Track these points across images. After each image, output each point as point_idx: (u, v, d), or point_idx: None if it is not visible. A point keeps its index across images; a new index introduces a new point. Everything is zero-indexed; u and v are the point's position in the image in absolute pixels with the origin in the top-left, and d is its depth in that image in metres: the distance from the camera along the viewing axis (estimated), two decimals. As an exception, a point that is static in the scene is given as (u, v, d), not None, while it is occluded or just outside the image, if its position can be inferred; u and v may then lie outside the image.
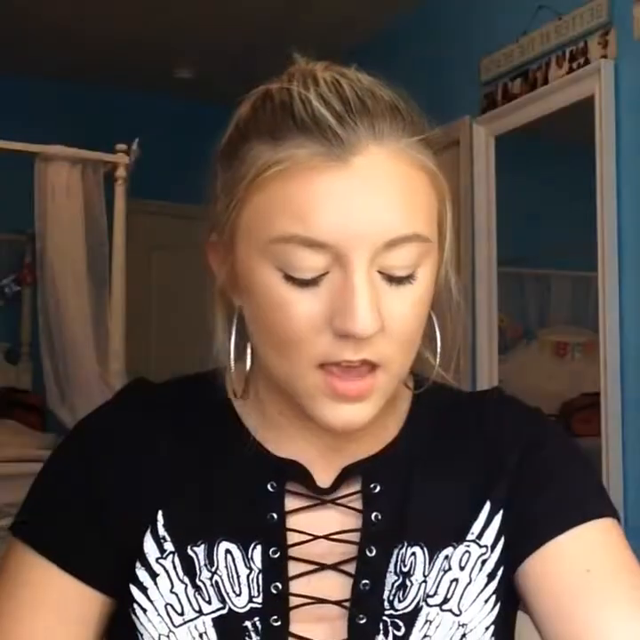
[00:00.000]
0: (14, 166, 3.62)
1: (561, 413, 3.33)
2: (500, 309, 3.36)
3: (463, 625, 0.78)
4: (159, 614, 0.77)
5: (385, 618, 0.78)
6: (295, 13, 4.06)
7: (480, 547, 0.80)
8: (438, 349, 0.80)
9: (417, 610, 0.78)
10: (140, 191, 3.87)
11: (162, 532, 0.79)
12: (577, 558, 0.78)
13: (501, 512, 0.81)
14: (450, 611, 0.78)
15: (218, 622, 0.76)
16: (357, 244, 0.69)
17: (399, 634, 0.77)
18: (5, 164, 3.73)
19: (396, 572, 0.79)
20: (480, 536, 0.80)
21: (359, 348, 0.71)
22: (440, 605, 0.78)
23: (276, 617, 0.77)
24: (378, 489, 0.81)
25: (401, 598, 0.78)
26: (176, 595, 0.78)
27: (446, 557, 0.79)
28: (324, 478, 0.81)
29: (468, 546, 0.80)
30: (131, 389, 0.88)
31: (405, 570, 0.79)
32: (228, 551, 0.78)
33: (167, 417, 0.84)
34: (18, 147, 3.47)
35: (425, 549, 0.79)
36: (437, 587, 0.79)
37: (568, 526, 0.79)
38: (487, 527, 0.81)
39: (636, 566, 0.79)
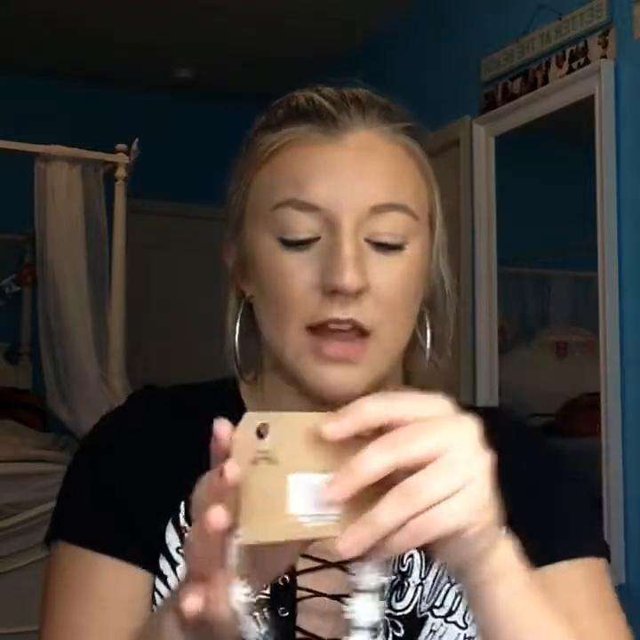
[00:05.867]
0: (14, 166, 3.62)
1: (561, 413, 3.33)
2: (500, 309, 3.36)
3: (470, 638, 0.79)
4: None
5: (385, 617, 0.79)
6: (295, 13, 4.06)
7: None
8: (428, 338, 0.84)
9: (419, 618, 0.79)
10: (140, 191, 3.87)
11: (183, 522, 0.81)
12: (557, 593, 0.77)
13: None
14: (454, 623, 0.80)
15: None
16: (345, 208, 0.77)
17: (399, 635, 0.79)
18: (5, 164, 3.73)
19: (394, 572, 0.80)
20: None
21: (346, 306, 0.76)
22: (445, 617, 0.80)
23: (283, 608, 0.79)
24: None
25: (398, 598, 0.80)
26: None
27: (444, 563, 0.79)
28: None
29: None
30: (144, 389, 0.91)
31: (403, 570, 0.80)
32: None
33: (182, 412, 0.87)
34: (18, 147, 3.48)
35: (422, 553, 0.81)
36: (441, 597, 0.80)
37: (557, 558, 0.80)
38: None
39: (614, 609, 0.80)
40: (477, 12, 3.50)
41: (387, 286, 0.78)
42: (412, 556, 0.80)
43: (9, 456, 3.42)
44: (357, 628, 0.60)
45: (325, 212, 0.77)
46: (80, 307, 3.48)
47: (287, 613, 0.79)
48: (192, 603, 0.57)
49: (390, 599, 0.79)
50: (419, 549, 0.80)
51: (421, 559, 0.81)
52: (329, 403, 0.77)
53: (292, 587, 0.79)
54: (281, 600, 0.79)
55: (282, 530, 0.55)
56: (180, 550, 0.80)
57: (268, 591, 0.78)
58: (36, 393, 4.29)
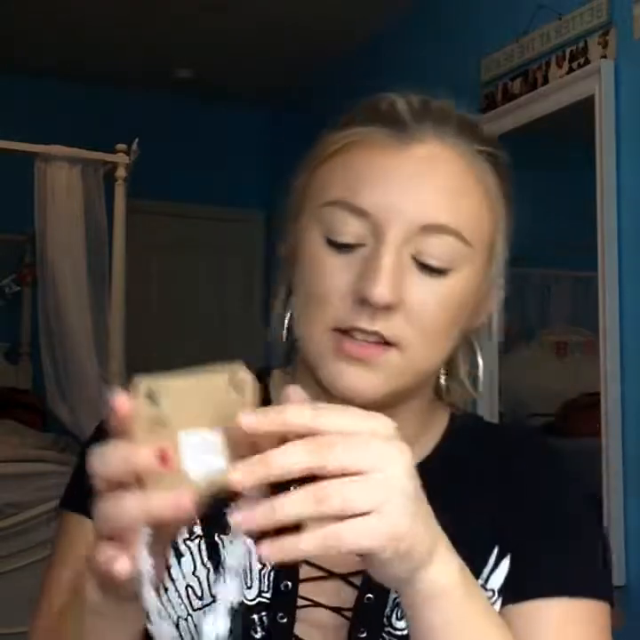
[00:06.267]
0: (14, 166, 3.62)
1: (561, 413, 3.33)
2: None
3: None
4: (180, 596, 0.79)
5: (384, 634, 0.77)
6: (295, 14, 4.06)
7: (486, 590, 0.78)
8: (480, 375, 0.83)
9: None
10: (140, 191, 3.87)
11: None
12: (550, 631, 0.76)
13: (509, 556, 0.80)
14: None
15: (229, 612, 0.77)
16: (395, 219, 0.74)
17: None
18: (5, 163, 3.73)
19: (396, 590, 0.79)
20: (487, 580, 0.79)
21: (374, 318, 0.74)
22: None
23: (282, 614, 0.78)
24: None
25: (399, 616, 0.78)
26: (197, 578, 0.79)
27: None
28: None
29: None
30: None
31: None
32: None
33: None
34: (18, 147, 3.48)
35: None
36: None
37: (558, 594, 0.77)
38: (494, 571, 0.79)
39: None
40: (477, 12, 3.50)
41: (422, 307, 0.75)
42: None
43: (9, 456, 3.42)
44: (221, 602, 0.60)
45: (374, 220, 0.75)
46: (80, 307, 3.48)
47: (285, 620, 0.78)
48: (106, 556, 0.58)
49: (390, 617, 0.78)
50: None
51: None
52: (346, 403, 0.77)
53: (293, 594, 0.78)
54: (281, 606, 0.78)
55: (177, 486, 0.57)
56: (187, 542, 0.80)
57: (268, 596, 0.78)
58: (36, 393, 4.29)
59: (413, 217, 0.74)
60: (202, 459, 0.57)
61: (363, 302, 0.73)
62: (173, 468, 0.56)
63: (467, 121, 0.82)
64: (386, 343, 0.75)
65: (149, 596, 0.58)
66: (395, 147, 0.76)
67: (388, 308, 0.73)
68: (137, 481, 0.57)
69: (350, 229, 0.75)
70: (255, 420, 0.56)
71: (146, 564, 0.57)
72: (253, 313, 5.26)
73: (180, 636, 0.78)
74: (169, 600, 0.79)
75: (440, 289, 0.76)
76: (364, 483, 0.56)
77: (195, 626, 0.78)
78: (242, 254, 5.38)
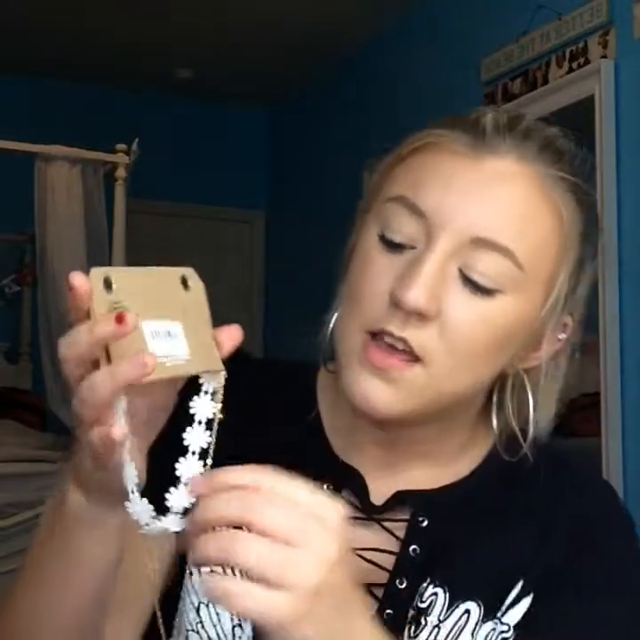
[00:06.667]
0: (14, 166, 3.62)
1: (561, 413, 3.32)
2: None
3: None
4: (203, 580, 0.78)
5: None
6: (295, 14, 4.06)
7: (502, 624, 0.77)
8: (531, 420, 0.80)
9: None
10: (140, 191, 3.87)
11: None
12: None
13: (531, 596, 0.77)
14: None
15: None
16: (448, 226, 0.72)
17: None
18: (5, 164, 3.73)
19: (413, 606, 0.77)
20: (504, 613, 0.77)
21: (406, 323, 0.71)
22: None
23: None
24: (425, 523, 0.79)
25: (412, 635, 0.76)
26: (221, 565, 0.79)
27: (467, 612, 0.77)
28: (376, 495, 0.79)
29: (495, 623, 0.77)
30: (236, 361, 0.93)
31: (423, 606, 0.77)
32: None
33: (262, 391, 0.85)
34: (18, 147, 3.48)
35: (447, 594, 0.77)
36: None
37: None
38: (514, 606, 0.77)
39: None
40: (477, 12, 3.50)
41: (458, 323, 0.71)
42: (436, 593, 0.77)
43: (9, 456, 3.42)
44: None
45: (428, 223, 0.72)
46: (80, 307, 3.47)
47: None
48: (94, 433, 0.58)
49: (404, 633, 0.76)
50: (443, 588, 0.77)
51: (445, 600, 0.77)
52: (360, 413, 0.75)
53: None
54: None
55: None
56: None
57: None
58: (36, 393, 4.29)
59: (466, 227, 0.72)
60: (165, 343, 0.58)
61: (397, 305, 0.71)
62: (131, 331, 0.57)
63: (555, 144, 0.77)
64: (411, 356, 0.72)
65: (128, 465, 0.58)
66: (468, 155, 0.74)
67: (420, 316, 0.71)
68: (107, 362, 0.58)
69: (404, 229, 0.74)
70: (202, 484, 0.57)
71: (125, 431, 0.58)
72: (253, 313, 5.26)
73: (201, 621, 0.77)
74: (193, 585, 0.78)
75: (482, 309, 0.72)
76: (285, 556, 0.54)
77: (217, 613, 0.77)
78: (242, 254, 5.38)
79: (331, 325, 0.80)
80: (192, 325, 0.60)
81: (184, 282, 0.62)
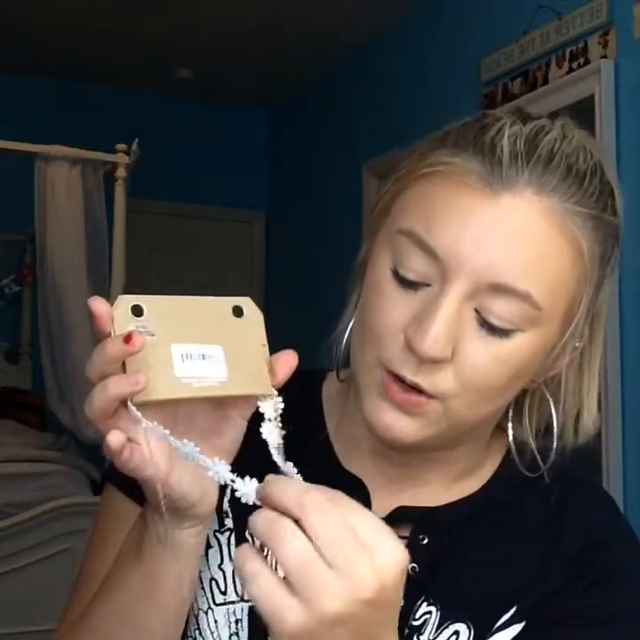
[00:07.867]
0: (14, 166, 3.62)
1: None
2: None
3: None
4: (203, 587, 0.78)
5: None
6: (295, 14, 4.06)
7: None
8: (555, 429, 0.78)
9: None
10: (140, 191, 3.87)
11: (226, 506, 0.79)
12: None
13: (523, 624, 0.76)
14: None
15: (253, 613, 0.75)
16: (464, 270, 0.69)
17: None
18: (5, 164, 3.73)
19: (408, 625, 0.76)
20: (492, 635, 0.76)
21: (418, 369, 0.70)
22: None
23: None
24: (425, 541, 0.78)
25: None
26: (223, 572, 0.78)
27: (456, 633, 0.76)
28: (379, 509, 0.78)
29: None
30: None
31: (416, 624, 0.77)
32: None
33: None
34: (18, 147, 3.47)
35: (439, 613, 0.76)
36: None
37: None
38: (502, 629, 0.76)
39: None
40: (477, 13, 3.50)
41: (474, 365, 0.70)
42: (430, 612, 0.77)
43: (9, 456, 3.42)
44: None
45: (442, 264, 0.70)
46: (80, 307, 3.47)
47: None
48: (115, 436, 0.60)
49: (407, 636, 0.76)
50: (436, 607, 0.76)
51: (435, 619, 0.76)
52: (380, 440, 0.75)
53: None
54: None
55: (170, 389, 0.60)
56: (217, 534, 0.79)
57: None
58: (36, 393, 4.29)
59: (482, 271, 0.69)
60: (196, 365, 0.60)
61: (411, 349, 0.70)
62: (138, 350, 0.58)
63: (575, 168, 0.73)
64: (427, 395, 0.71)
65: (208, 462, 0.59)
66: (484, 191, 0.70)
67: (434, 362, 0.70)
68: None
69: (417, 267, 0.71)
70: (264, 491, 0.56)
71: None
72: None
73: (199, 628, 0.77)
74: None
75: (498, 349, 0.70)
76: (321, 572, 0.53)
77: (215, 621, 0.77)
78: (242, 254, 5.39)
79: (344, 338, 0.80)
80: (238, 350, 0.62)
81: (237, 310, 0.63)
